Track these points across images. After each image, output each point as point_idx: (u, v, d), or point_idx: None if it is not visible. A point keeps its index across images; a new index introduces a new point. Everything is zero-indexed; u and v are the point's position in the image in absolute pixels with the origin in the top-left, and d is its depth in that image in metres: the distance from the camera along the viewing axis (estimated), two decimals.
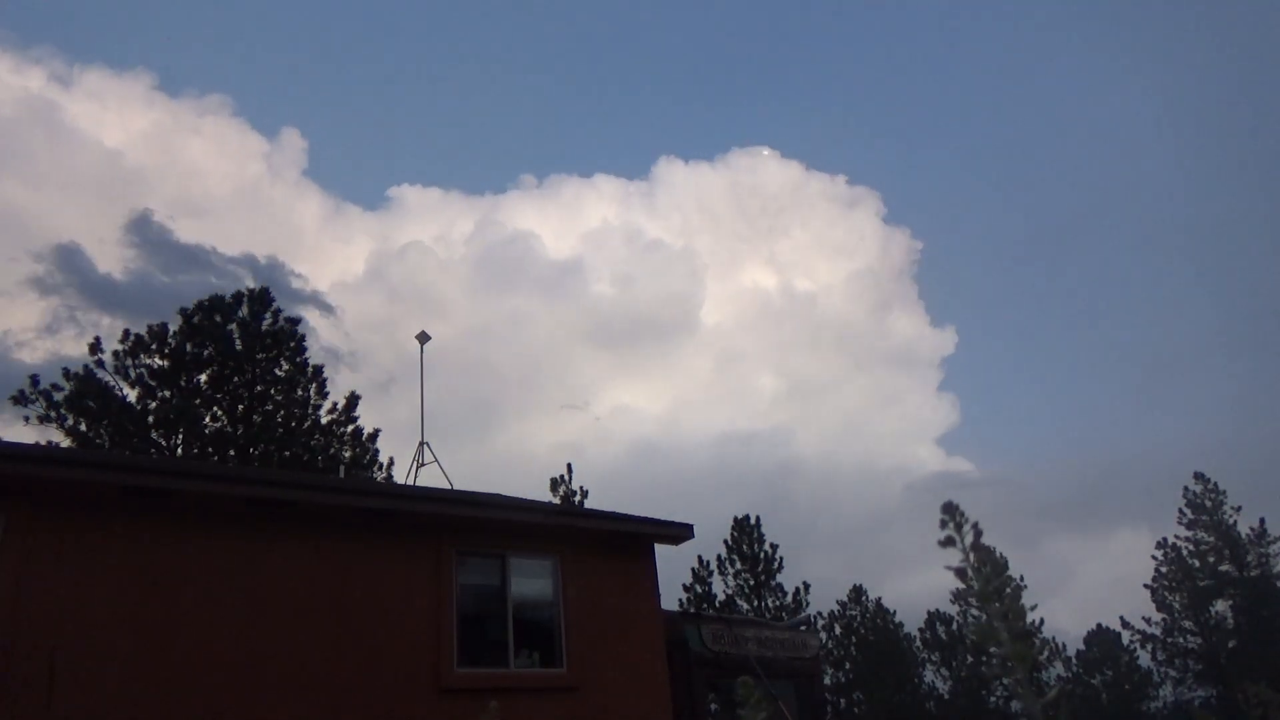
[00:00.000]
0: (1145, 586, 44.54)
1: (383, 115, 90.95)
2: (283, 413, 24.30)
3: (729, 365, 78.91)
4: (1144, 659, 44.54)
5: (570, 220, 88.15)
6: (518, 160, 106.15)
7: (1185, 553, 44.33)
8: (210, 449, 22.72)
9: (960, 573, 0.98)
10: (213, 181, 62.51)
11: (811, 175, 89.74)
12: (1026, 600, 1.06)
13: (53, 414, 22.14)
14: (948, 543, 0.99)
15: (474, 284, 73.45)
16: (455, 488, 14.99)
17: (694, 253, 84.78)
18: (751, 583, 36.50)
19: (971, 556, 0.98)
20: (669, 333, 79.20)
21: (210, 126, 67.19)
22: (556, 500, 28.33)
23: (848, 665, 43.77)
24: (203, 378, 23.63)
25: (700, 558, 36.48)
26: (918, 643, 45.82)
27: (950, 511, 0.98)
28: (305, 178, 76.98)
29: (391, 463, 25.47)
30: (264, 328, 24.85)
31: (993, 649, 0.97)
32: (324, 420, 25.12)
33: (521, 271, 75.15)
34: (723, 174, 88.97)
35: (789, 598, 36.37)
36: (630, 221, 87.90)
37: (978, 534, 0.98)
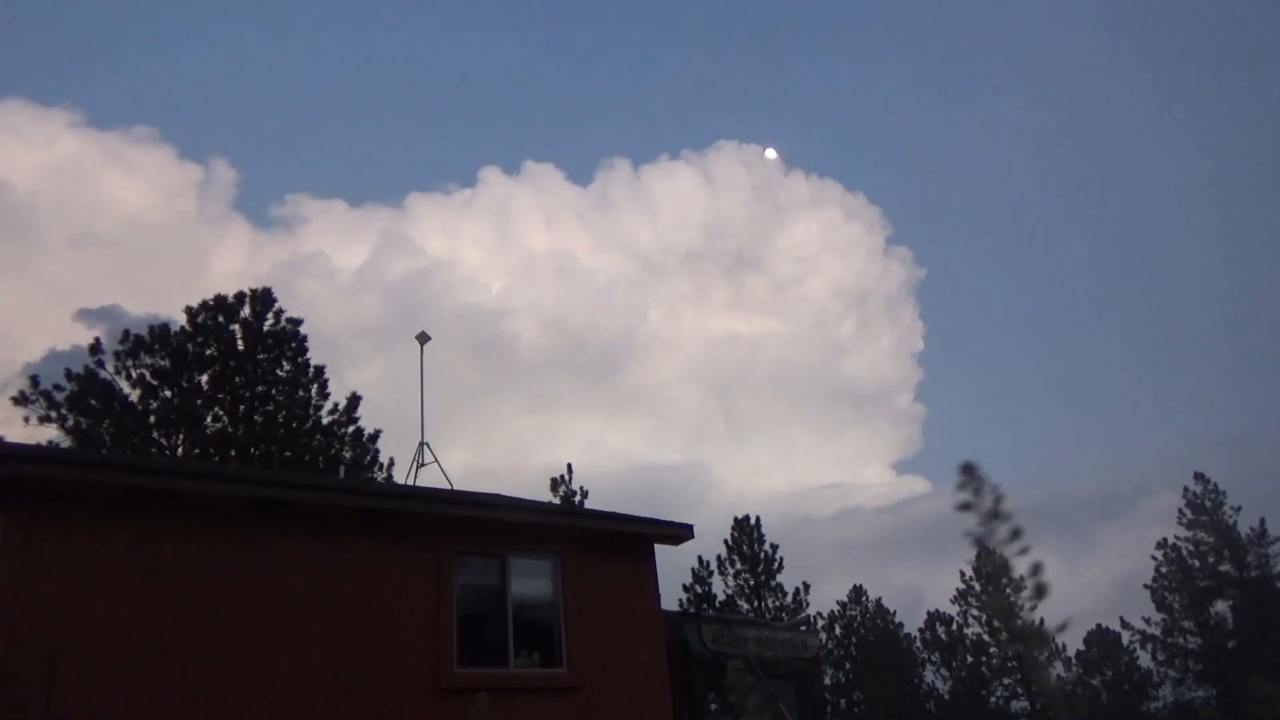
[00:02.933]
0: (1145, 587, 44.57)
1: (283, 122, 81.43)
2: (284, 413, 24.28)
3: (665, 401, 74.26)
4: (1144, 659, 44.58)
5: (502, 230, 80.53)
6: (444, 163, 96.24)
7: (1185, 553, 44.32)
8: (211, 449, 22.71)
9: (978, 542, 0.93)
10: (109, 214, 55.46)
11: (791, 179, 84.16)
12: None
13: (54, 414, 22.14)
14: (964, 507, 0.92)
15: (383, 316, 64.56)
16: (455, 488, 14.99)
17: (643, 276, 79.18)
18: (751, 583, 36.49)
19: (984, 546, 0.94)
20: (611, 363, 74.07)
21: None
22: (556, 500, 28.33)
23: (848, 665, 43.77)
24: (204, 378, 23.61)
25: (700, 558, 36.50)
26: (918, 643, 45.81)
27: (968, 472, 0.91)
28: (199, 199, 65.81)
29: (392, 463, 25.47)
30: (266, 328, 24.83)
31: (1005, 634, 0.92)
32: (325, 421, 25.10)
33: (435, 297, 67.95)
34: (690, 175, 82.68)
35: (789, 598, 36.37)
36: (570, 235, 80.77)
37: (998, 500, 0.92)
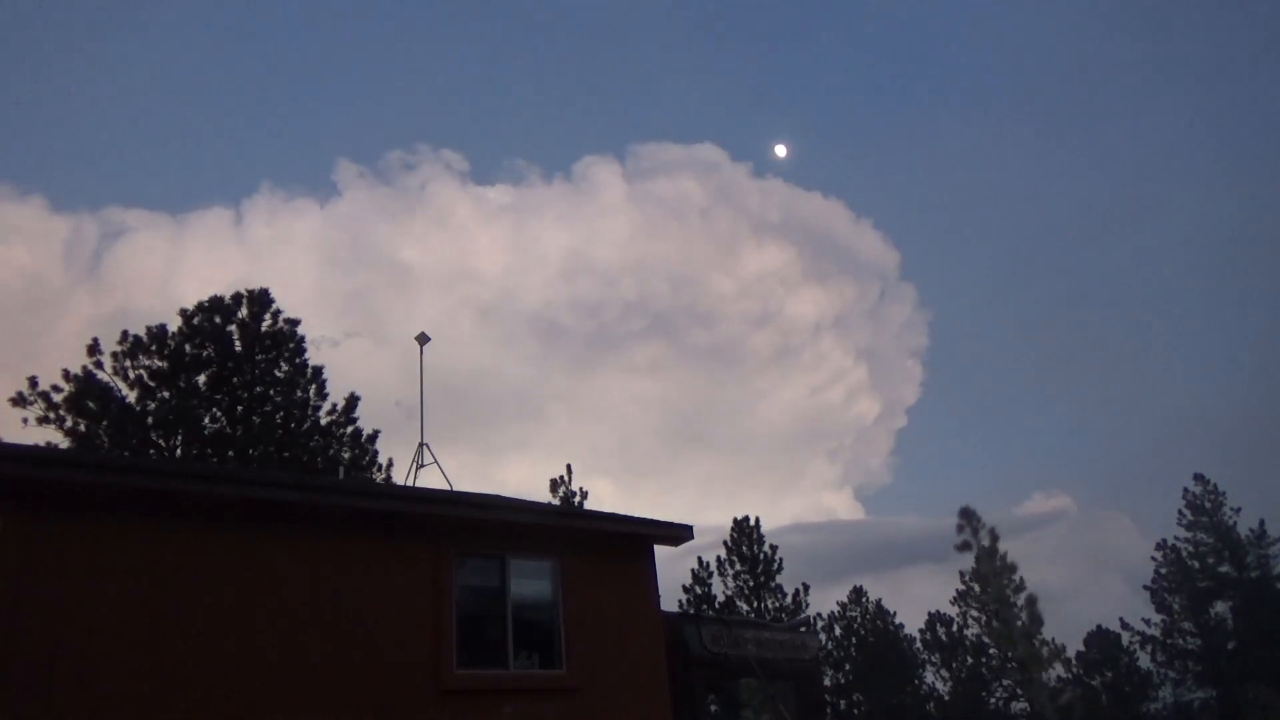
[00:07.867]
0: (1145, 588, 44.60)
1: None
2: (282, 414, 24.23)
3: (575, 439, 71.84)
4: (1144, 660, 44.59)
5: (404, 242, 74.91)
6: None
7: (1185, 554, 44.35)
8: (209, 450, 22.67)
9: (976, 576, 0.97)
10: None
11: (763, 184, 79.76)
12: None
13: (52, 415, 22.10)
14: (964, 547, 0.97)
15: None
16: (455, 489, 14.96)
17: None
18: (751, 584, 36.47)
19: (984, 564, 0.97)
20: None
21: None
22: (556, 501, 28.31)
23: (847, 666, 43.73)
24: (202, 379, 23.57)
25: (700, 559, 36.49)
26: (918, 644, 45.80)
27: (967, 516, 0.97)
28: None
29: (391, 464, 25.42)
30: (263, 329, 24.80)
31: (1009, 652, 0.96)
32: (323, 421, 25.06)
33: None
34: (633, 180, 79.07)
35: (789, 599, 36.34)
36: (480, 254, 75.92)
37: (994, 538, 0.97)
